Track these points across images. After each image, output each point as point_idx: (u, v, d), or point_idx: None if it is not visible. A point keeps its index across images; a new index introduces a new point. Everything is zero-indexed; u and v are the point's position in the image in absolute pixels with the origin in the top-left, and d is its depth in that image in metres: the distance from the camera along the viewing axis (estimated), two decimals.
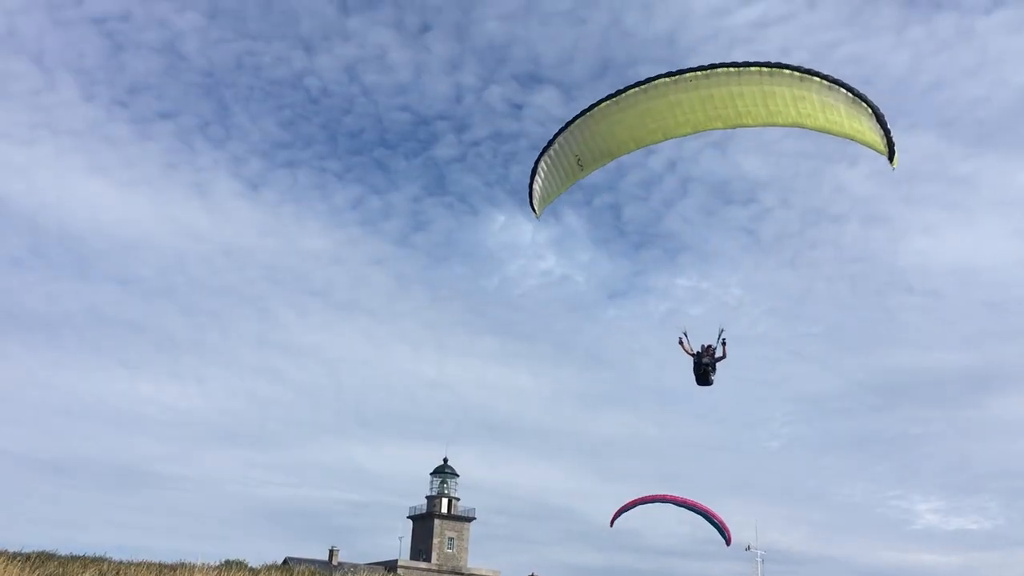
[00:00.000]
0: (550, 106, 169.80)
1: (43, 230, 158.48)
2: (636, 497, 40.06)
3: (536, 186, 18.09)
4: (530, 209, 18.48)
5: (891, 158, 15.11)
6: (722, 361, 18.25)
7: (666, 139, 17.38)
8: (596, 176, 19.11)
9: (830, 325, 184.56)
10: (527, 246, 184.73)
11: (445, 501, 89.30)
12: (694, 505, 40.08)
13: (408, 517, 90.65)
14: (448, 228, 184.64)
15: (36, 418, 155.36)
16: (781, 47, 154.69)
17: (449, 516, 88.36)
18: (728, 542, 40.51)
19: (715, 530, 40.55)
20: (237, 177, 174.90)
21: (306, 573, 26.90)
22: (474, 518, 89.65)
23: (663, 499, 39.85)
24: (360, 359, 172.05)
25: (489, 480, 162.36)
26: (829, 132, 15.81)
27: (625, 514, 40.40)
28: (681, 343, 18.41)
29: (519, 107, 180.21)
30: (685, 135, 17.42)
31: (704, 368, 18.18)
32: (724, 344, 18.25)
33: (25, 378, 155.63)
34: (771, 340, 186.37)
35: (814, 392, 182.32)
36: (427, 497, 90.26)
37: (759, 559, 74.81)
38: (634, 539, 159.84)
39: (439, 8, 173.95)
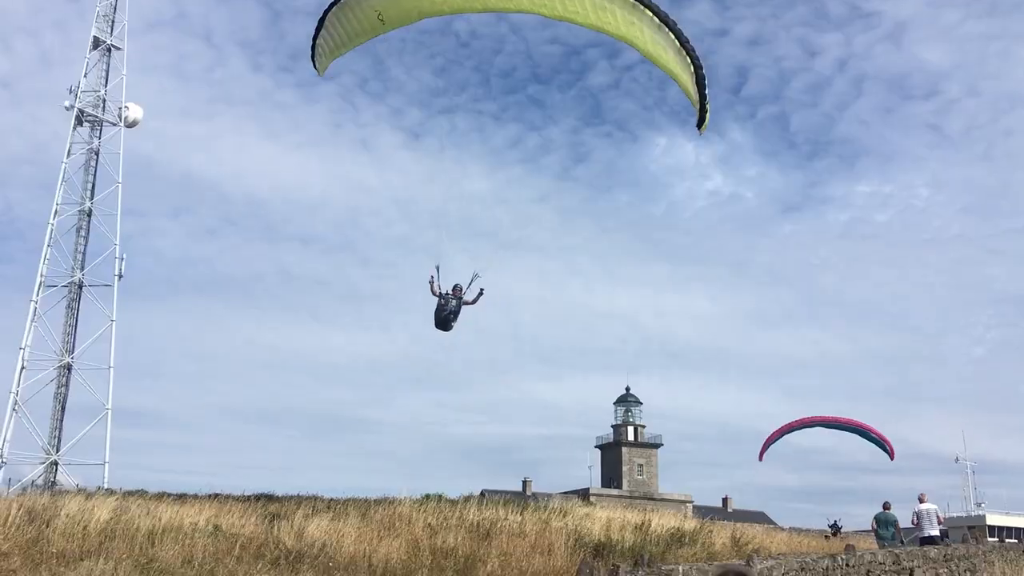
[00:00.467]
0: (704, 19, 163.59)
1: (230, 199, 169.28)
2: (782, 425, 37.50)
3: (321, 40, 15.52)
4: (312, 67, 15.68)
5: (699, 124, 13.44)
6: (471, 306, 16.46)
7: (485, 10, 15.12)
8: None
9: None
10: (691, 167, 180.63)
11: (631, 429, 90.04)
12: (847, 423, 36.97)
13: (596, 447, 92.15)
14: (609, 157, 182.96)
15: (245, 374, 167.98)
16: None
17: (636, 444, 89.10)
18: (891, 456, 36.91)
19: (876, 446, 37.28)
20: (399, 129, 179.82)
21: (502, 501, 27.90)
22: (661, 444, 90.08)
23: (812, 422, 37.25)
24: (533, 296, 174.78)
25: (673, 407, 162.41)
26: (659, 66, 14.04)
27: (777, 441, 37.85)
28: (431, 282, 16.43)
29: None
30: (505, 11, 15.20)
31: (446, 314, 16.29)
32: (481, 292, 16.45)
33: (231, 338, 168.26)
34: (967, 240, 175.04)
35: (1021, 291, 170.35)
36: (612, 426, 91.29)
37: (969, 470, 71.44)
38: (830, 458, 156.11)
39: None
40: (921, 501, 26.32)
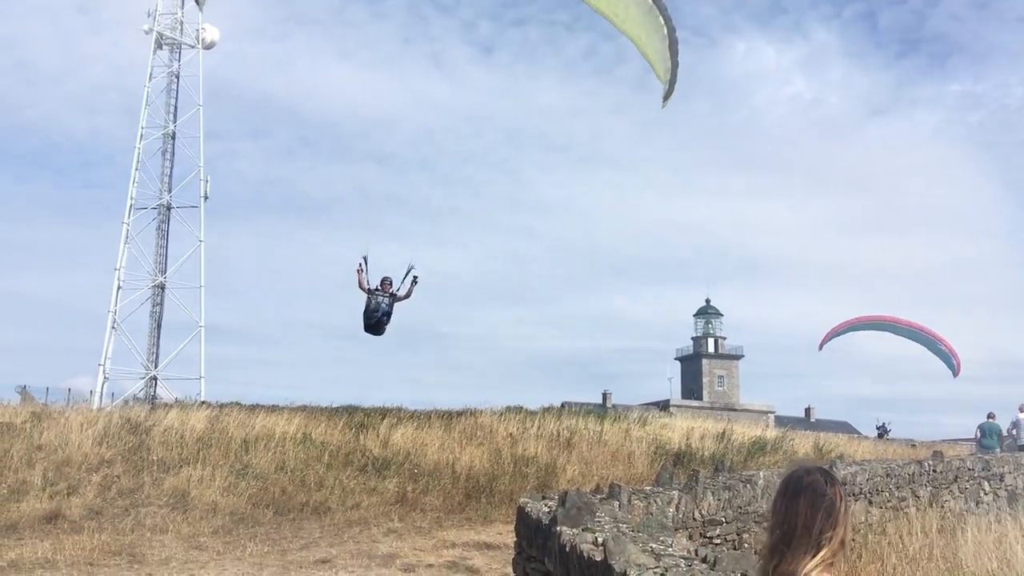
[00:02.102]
0: None
1: (306, 120, 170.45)
2: (851, 319, 34.67)
3: None
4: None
5: (666, 98, 11.30)
6: (403, 301, 14.18)
7: None
8: None
9: None
10: (772, 72, 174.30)
11: (711, 341, 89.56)
12: (917, 329, 33.79)
13: (676, 359, 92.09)
14: (686, 64, 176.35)
15: (328, 292, 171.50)
16: None
17: (716, 355, 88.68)
18: (956, 372, 33.49)
19: (941, 360, 34.03)
20: (469, 43, 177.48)
21: (582, 412, 28.19)
22: (742, 356, 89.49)
23: (880, 321, 34.50)
24: (609, 210, 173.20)
25: (754, 318, 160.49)
26: (617, 26, 11.74)
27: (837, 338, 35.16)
28: (359, 271, 13.97)
29: None
30: None
31: (378, 317, 13.97)
32: (415, 282, 13.97)
33: (312, 257, 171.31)
34: None
35: None
36: (693, 338, 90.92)
37: None
38: (915, 366, 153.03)
39: None
40: (1022, 411, 25.85)
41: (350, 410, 26.43)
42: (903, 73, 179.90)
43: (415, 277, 13.99)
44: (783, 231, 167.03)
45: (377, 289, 14.00)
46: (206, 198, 56.13)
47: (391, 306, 14.11)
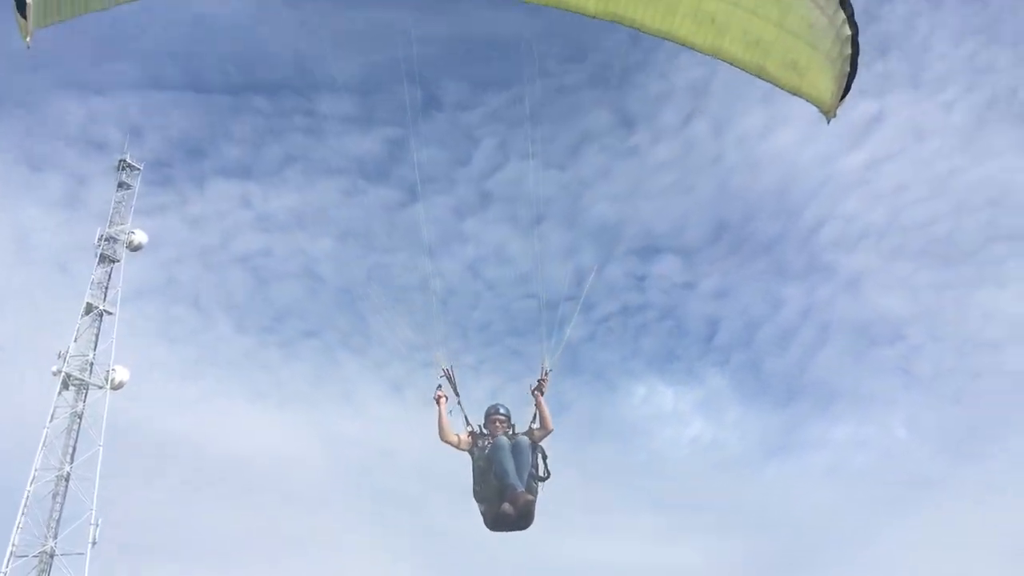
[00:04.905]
0: (672, 273, 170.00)
1: (211, 458, 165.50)
2: None
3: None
4: (22, 36, 9.94)
5: (841, 97, 9.97)
6: (546, 437, 8.04)
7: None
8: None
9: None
10: (670, 414, 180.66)
11: None
12: None
13: None
14: (588, 407, 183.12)
15: None
16: (897, 183, 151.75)
17: None
18: None
19: None
20: (381, 381, 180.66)
21: None
22: None
23: None
24: (519, 549, 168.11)
25: None
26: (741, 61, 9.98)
27: None
28: (439, 400, 8.26)
29: (641, 279, 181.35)
30: None
31: (508, 485, 7.70)
32: (540, 388, 8.00)
33: None
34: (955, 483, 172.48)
35: None
36: None
37: None
38: None
39: (549, 200, 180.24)
40: None
41: None
42: (791, 417, 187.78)
43: (539, 382, 7.75)
44: (696, 573, 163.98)
45: (483, 431, 8.16)
46: (94, 544, 52.88)
47: (533, 456, 7.62)
